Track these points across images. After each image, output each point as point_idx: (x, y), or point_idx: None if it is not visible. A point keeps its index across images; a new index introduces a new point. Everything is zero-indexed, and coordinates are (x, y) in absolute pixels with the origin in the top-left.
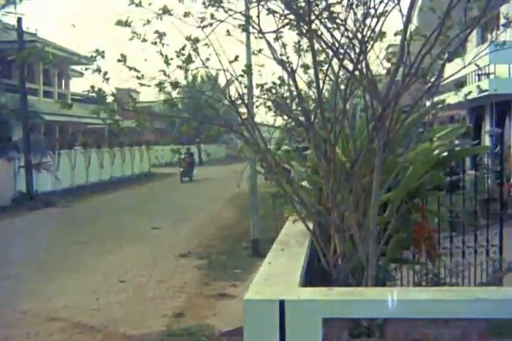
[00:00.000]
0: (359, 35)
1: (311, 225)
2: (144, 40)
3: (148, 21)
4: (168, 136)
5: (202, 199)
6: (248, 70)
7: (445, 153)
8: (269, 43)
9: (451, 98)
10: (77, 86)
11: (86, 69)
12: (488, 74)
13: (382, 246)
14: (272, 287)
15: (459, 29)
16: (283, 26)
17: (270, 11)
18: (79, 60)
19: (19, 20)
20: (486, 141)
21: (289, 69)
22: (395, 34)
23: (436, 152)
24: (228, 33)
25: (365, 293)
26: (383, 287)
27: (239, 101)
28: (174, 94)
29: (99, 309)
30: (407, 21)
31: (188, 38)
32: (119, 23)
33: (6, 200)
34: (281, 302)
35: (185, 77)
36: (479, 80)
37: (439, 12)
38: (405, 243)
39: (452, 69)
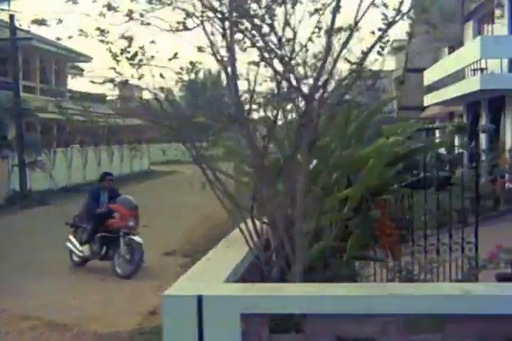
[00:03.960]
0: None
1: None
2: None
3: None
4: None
5: None
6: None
7: (410, 149)
8: (210, 40)
9: (440, 95)
10: (75, 83)
11: (81, 70)
12: (481, 70)
13: (343, 243)
14: (194, 283)
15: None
16: (198, 25)
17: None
18: (76, 58)
19: (11, 17)
20: (483, 137)
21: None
22: (338, 29)
23: (393, 149)
24: (174, 30)
25: (284, 289)
26: (311, 283)
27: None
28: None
29: (75, 308)
30: (333, 18)
31: (124, 36)
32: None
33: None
34: (199, 298)
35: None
36: (474, 75)
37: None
38: (365, 240)
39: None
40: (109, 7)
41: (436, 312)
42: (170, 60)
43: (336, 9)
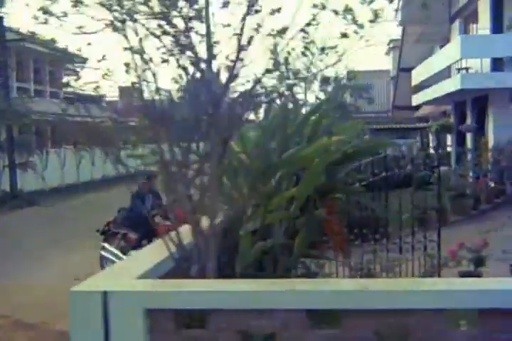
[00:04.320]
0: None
1: None
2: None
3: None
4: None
5: None
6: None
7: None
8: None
9: (426, 95)
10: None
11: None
12: (466, 69)
13: (291, 242)
14: (105, 279)
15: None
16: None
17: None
18: (71, 59)
19: (0, 19)
20: (469, 136)
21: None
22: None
23: (339, 148)
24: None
25: (191, 285)
26: (217, 279)
27: None
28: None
29: (46, 306)
30: (244, 19)
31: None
32: None
33: None
34: (104, 294)
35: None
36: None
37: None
38: (311, 238)
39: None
40: (45, 11)
41: (334, 307)
42: (99, 61)
43: (249, 10)
